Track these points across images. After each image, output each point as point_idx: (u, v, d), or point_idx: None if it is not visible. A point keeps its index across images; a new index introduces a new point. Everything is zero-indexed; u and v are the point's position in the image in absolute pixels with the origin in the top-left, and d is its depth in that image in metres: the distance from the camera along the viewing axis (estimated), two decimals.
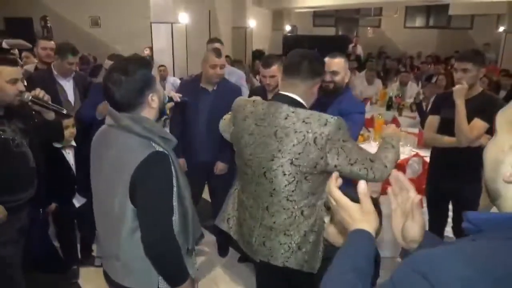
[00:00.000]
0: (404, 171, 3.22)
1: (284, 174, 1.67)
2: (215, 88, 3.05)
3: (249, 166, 1.79)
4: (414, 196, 0.96)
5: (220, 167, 3.11)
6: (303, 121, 1.63)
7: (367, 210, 0.96)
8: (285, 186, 1.69)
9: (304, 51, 1.81)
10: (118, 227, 1.46)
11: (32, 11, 9.96)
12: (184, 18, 8.66)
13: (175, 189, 1.48)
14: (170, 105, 1.82)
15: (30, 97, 2.02)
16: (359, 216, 0.96)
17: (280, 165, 1.67)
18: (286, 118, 1.66)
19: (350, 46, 12.63)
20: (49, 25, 9.19)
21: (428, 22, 15.78)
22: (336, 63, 2.41)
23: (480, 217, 0.76)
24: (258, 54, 10.68)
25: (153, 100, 1.48)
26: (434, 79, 7.47)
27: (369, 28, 15.46)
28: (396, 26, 15.56)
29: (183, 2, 8.72)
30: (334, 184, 1.02)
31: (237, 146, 1.88)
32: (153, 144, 1.43)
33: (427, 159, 3.34)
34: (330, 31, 16.02)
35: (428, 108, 3.88)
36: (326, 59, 2.37)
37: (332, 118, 1.63)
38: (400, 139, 1.91)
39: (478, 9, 12.28)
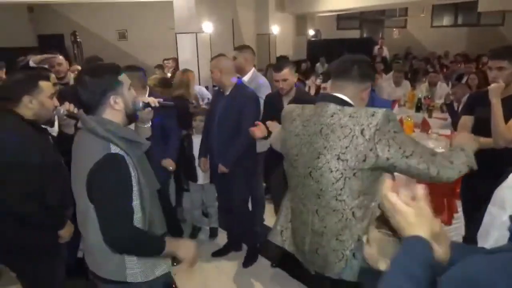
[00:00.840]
0: None
1: (331, 171, 1.62)
2: (227, 93, 3.08)
3: (295, 167, 1.78)
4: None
5: (220, 168, 3.11)
6: (350, 116, 1.60)
7: (425, 215, 0.92)
8: (333, 184, 1.63)
9: (355, 56, 1.79)
10: (86, 223, 1.58)
11: (63, 27, 10.34)
12: (208, 27, 8.77)
13: (135, 188, 1.54)
14: (147, 111, 1.88)
15: (66, 112, 2.09)
16: (415, 221, 0.91)
17: (326, 161, 1.62)
18: (332, 116, 1.64)
19: (376, 48, 12.42)
20: (79, 40, 9.51)
21: (456, 20, 15.34)
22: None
23: None
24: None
25: (116, 103, 1.57)
26: (464, 79, 7.25)
27: (394, 29, 15.18)
28: (423, 26, 15.21)
29: (207, 12, 8.84)
30: (389, 186, 0.97)
31: (285, 150, 1.87)
32: (111, 146, 1.50)
33: None
34: (354, 34, 15.84)
35: (460, 108, 3.74)
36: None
37: (380, 109, 1.57)
38: (474, 147, 1.74)
39: (509, 4, 11.83)
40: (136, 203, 1.55)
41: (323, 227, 1.70)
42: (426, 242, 0.89)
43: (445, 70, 9.57)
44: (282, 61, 3.11)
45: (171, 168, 3.20)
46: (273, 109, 2.98)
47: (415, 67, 8.96)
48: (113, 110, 1.58)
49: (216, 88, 3.28)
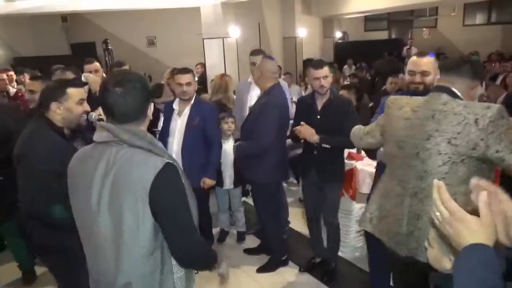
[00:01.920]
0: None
1: (439, 154, 1.68)
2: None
3: (401, 148, 1.83)
4: (504, 195, 0.93)
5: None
6: (464, 106, 1.67)
7: (488, 223, 0.89)
8: (438, 166, 1.69)
9: (466, 55, 1.91)
10: (128, 248, 1.38)
11: (94, 35, 10.65)
12: (234, 32, 8.83)
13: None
14: None
15: (98, 117, 2.13)
16: (478, 229, 0.88)
17: (436, 143, 1.69)
18: (445, 104, 1.72)
19: (405, 48, 12.17)
20: (110, 47, 9.78)
21: (490, 18, 14.79)
22: (425, 63, 2.38)
23: None
24: (309, 63, 10.62)
25: (149, 110, 1.50)
26: (499, 79, 6.97)
27: (424, 29, 14.81)
28: (454, 25, 14.76)
29: (233, 16, 8.91)
30: (446, 193, 0.94)
31: (389, 133, 1.92)
32: (159, 157, 1.39)
33: None
34: (382, 35, 15.56)
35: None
36: (414, 59, 2.41)
37: (495, 104, 1.66)
38: None
39: None
40: None
41: (421, 210, 1.76)
42: (492, 250, 0.86)
43: None
44: (320, 60, 3.07)
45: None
46: (306, 112, 2.94)
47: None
48: (147, 119, 1.49)
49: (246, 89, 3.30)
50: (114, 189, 1.37)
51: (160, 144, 1.51)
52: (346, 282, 3.18)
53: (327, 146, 2.78)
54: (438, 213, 0.94)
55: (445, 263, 1.19)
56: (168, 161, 1.39)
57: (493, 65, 8.79)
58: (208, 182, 3.19)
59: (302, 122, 2.77)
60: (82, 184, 1.44)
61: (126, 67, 3.53)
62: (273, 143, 2.92)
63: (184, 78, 3.08)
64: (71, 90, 2.06)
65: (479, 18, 14.97)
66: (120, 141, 1.38)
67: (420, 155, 1.74)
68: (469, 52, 12.41)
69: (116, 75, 1.59)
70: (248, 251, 3.63)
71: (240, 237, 3.90)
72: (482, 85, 7.11)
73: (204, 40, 8.28)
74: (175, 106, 3.20)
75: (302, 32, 11.37)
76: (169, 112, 3.24)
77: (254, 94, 3.62)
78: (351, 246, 3.47)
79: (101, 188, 1.39)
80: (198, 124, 3.10)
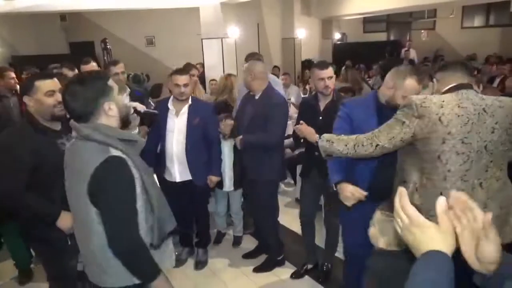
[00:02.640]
0: None
1: (501, 144, 1.89)
2: (257, 97, 3.11)
3: (467, 144, 1.89)
4: (482, 214, 0.89)
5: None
6: (495, 99, 1.92)
7: (446, 230, 0.89)
8: (502, 156, 1.93)
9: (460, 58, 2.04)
10: (87, 231, 1.57)
11: (93, 35, 10.64)
12: (233, 32, 8.85)
13: (139, 189, 1.54)
14: (134, 116, 1.92)
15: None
16: (437, 236, 0.88)
17: (499, 136, 1.88)
18: (483, 99, 1.91)
19: (403, 50, 12.19)
20: (108, 47, 9.77)
21: (488, 21, 14.84)
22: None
23: None
24: (307, 64, 10.62)
25: (110, 109, 1.57)
26: (496, 81, 7.00)
27: (422, 31, 14.84)
28: (453, 27, 14.79)
29: (233, 17, 8.92)
30: (406, 199, 0.93)
31: (442, 131, 1.89)
32: (111, 149, 1.50)
33: None
34: (381, 37, 15.59)
35: None
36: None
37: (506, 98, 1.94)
38: None
39: None
40: (140, 204, 1.56)
41: (487, 198, 1.91)
42: (449, 258, 0.86)
43: (476, 72, 9.27)
44: (322, 60, 3.10)
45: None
46: (309, 112, 2.96)
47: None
48: (108, 116, 1.58)
49: (247, 91, 3.30)
50: (69, 179, 1.62)
51: (130, 136, 1.60)
52: (342, 282, 3.19)
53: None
54: (399, 219, 0.93)
55: (380, 242, 1.63)
56: (112, 154, 1.48)
57: (491, 67, 8.81)
58: (214, 179, 3.25)
59: (301, 121, 2.80)
60: (65, 173, 1.66)
61: (121, 65, 3.51)
62: (282, 139, 2.97)
63: (182, 79, 3.08)
64: (38, 83, 2.12)
65: (478, 21, 15.02)
66: (81, 137, 1.54)
67: (488, 147, 1.88)
68: (467, 55, 12.48)
69: (72, 77, 1.72)
70: (247, 256, 3.61)
71: (236, 241, 3.87)
72: (479, 87, 7.13)
73: (203, 40, 8.29)
74: (170, 105, 3.19)
75: (301, 33, 11.39)
76: (164, 111, 3.21)
77: None
78: None
79: (66, 177, 1.64)
80: (199, 124, 3.12)
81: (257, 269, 3.36)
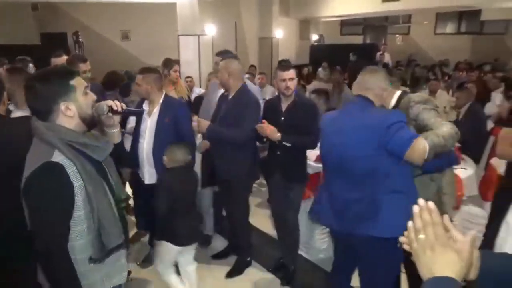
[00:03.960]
0: None
1: None
2: (230, 97, 3.08)
3: None
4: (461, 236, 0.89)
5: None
6: None
7: (465, 259, 0.86)
8: None
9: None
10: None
11: (66, 26, 10.37)
12: (210, 30, 8.79)
13: (80, 198, 1.47)
14: (108, 116, 1.73)
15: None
16: (454, 262, 0.85)
17: None
18: None
19: (378, 54, 12.41)
20: (80, 40, 9.54)
21: (459, 28, 15.31)
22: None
23: None
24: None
25: (68, 109, 1.50)
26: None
27: (397, 35, 15.18)
28: (426, 33, 15.20)
29: (210, 14, 8.86)
30: (439, 215, 0.89)
31: None
32: (55, 153, 1.43)
33: (457, 172, 3.22)
34: (357, 40, 15.82)
35: (461, 117, 3.71)
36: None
37: None
38: None
39: None
40: (80, 214, 1.48)
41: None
42: (460, 285, 0.84)
43: (446, 78, 9.55)
44: (287, 61, 3.10)
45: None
46: (272, 113, 3.00)
47: (417, 75, 8.93)
48: (66, 117, 1.50)
49: (222, 91, 3.27)
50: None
51: (79, 139, 1.51)
52: (309, 283, 3.23)
53: (288, 144, 2.82)
54: (422, 236, 0.89)
55: None
56: (50, 160, 1.42)
57: (460, 73, 9.09)
58: None
59: (263, 120, 2.82)
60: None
61: (88, 64, 3.44)
62: (251, 139, 2.95)
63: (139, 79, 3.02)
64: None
65: (450, 27, 15.48)
66: (36, 134, 1.49)
67: None
68: (439, 60, 12.83)
69: (34, 73, 1.66)
70: (217, 256, 3.58)
71: (207, 240, 3.81)
72: (448, 92, 7.35)
73: (180, 37, 8.20)
74: (145, 106, 3.13)
75: (278, 33, 11.43)
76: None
77: (220, 93, 3.62)
78: (316, 248, 3.51)
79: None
80: (169, 124, 3.01)
81: (229, 274, 3.33)
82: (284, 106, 2.95)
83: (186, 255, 2.82)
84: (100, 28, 10.77)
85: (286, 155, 2.90)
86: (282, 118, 2.92)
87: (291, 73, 2.85)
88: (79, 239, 1.50)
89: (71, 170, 1.44)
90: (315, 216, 2.44)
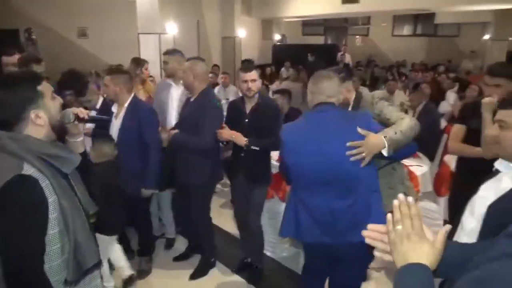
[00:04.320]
0: None
1: None
2: (193, 99, 3.03)
3: None
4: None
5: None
6: None
7: (438, 247, 0.94)
8: None
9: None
10: None
11: (18, 22, 9.86)
12: (172, 28, 8.66)
13: (53, 215, 1.33)
14: (74, 124, 1.62)
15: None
16: (429, 251, 0.92)
17: None
18: None
19: (339, 54, 12.69)
20: (33, 37, 9.11)
21: (415, 30, 15.98)
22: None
23: None
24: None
25: (38, 117, 1.38)
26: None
27: (357, 36, 15.60)
28: (384, 35, 15.72)
29: (171, 12, 8.73)
30: (418, 209, 0.96)
31: None
32: (25, 166, 1.30)
33: (413, 169, 3.34)
34: (319, 40, 16.12)
35: (417, 115, 3.84)
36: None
37: None
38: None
39: (464, 17, 12.46)
40: (54, 232, 1.35)
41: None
42: (431, 272, 0.90)
43: (404, 78, 9.90)
44: (250, 62, 3.10)
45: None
46: (236, 114, 2.97)
47: (376, 75, 9.21)
48: (36, 126, 1.37)
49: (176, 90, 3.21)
50: None
51: (49, 150, 1.37)
52: (274, 282, 3.24)
53: (256, 148, 2.82)
54: (400, 227, 0.96)
55: None
56: (22, 173, 1.28)
57: (417, 74, 9.44)
58: (145, 192, 3.05)
59: (223, 125, 2.81)
60: None
61: (39, 66, 3.29)
62: (213, 144, 2.92)
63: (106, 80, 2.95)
64: None
65: (406, 30, 16.11)
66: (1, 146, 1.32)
67: None
68: (397, 61, 13.30)
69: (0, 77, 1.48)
70: (178, 258, 3.52)
71: (169, 244, 3.74)
72: (405, 92, 7.61)
73: (140, 35, 8.02)
74: (114, 108, 3.03)
75: (241, 32, 11.43)
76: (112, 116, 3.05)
77: (175, 94, 3.56)
78: (280, 247, 3.54)
79: None
80: (134, 126, 2.92)
81: (193, 276, 3.29)
82: (248, 107, 2.94)
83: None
84: (55, 24, 10.32)
85: (250, 157, 2.89)
86: (246, 120, 2.91)
87: (253, 74, 2.84)
88: (53, 260, 1.37)
89: (45, 184, 1.31)
90: (295, 237, 2.31)
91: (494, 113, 2.44)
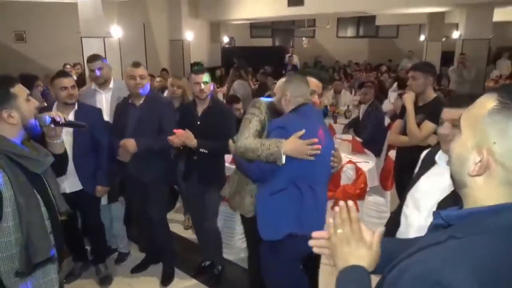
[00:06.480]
0: (339, 178, 3.33)
1: None
2: (138, 104, 2.98)
3: None
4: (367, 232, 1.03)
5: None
6: None
7: (376, 252, 1.00)
8: None
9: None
10: None
11: None
12: (116, 31, 8.42)
13: (9, 209, 1.47)
14: (50, 127, 1.77)
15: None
16: (366, 254, 0.99)
17: None
18: None
19: (287, 56, 12.94)
20: None
21: (358, 32, 16.69)
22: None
23: (451, 214, 0.84)
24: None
25: (11, 117, 1.53)
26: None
27: (304, 38, 15.96)
28: (330, 36, 16.24)
29: (115, 15, 8.49)
30: (357, 214, 1.02)
31: None
32: None
33: (360, 165, 3.50)
34: (267, 42, 16.34)
35: (362, 113, 4.03)
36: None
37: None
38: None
39: (402, 19, 13.16)
40: (7, 225, 1.48)
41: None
42: (369, 275, 0.97)
43: (349, 78, 10.28)
44: (201, 65, 3.14)
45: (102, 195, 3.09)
46: (188, 117, 2.98)
47: (323, 76, 9.45)
48: (8, 125, 1.52)
49: (122, 98, 3.13)
50: None
51: (14, 149, 1.50)
52: (232, 283, 3.26)
53: (205, 151, 2.83)
54: (340, 230, 1.02)
55: None
56: None
57: (361, 74, 9.85)
58: (100, 189, 3.00)
59: (174, 130, 2.79)
60: None
61: None
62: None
63: (69, 81, 2.86)
64: None
65: (350, 31, 16.77)
66: None
67: None
68: (342, 64, 13.76)
69: None
70: (136, 269, 3.39)
71: (121, 258, 3.54)
72: (352, 92, 7.91)
73: (83, 39, 7.71)
74: (54, 110, 2.91)
75: (189, 35, 11.32)
76: None
77: (104, 101, 3.48)
78: (236, 248, 3.56)
79: None
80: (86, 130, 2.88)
81: (163, 283, 3.19)
82: (200, 110, 2.95)
83: None
84: None
85: (203, 160, 2.89)
86: (198, 122, 2.91)
87: (205, 76, 2.86)
88: (5, 251, 1.49)
89: (2, 180, 1.44)
90: (297, 231, 2.00)
91: (415, 104, 2.93)
